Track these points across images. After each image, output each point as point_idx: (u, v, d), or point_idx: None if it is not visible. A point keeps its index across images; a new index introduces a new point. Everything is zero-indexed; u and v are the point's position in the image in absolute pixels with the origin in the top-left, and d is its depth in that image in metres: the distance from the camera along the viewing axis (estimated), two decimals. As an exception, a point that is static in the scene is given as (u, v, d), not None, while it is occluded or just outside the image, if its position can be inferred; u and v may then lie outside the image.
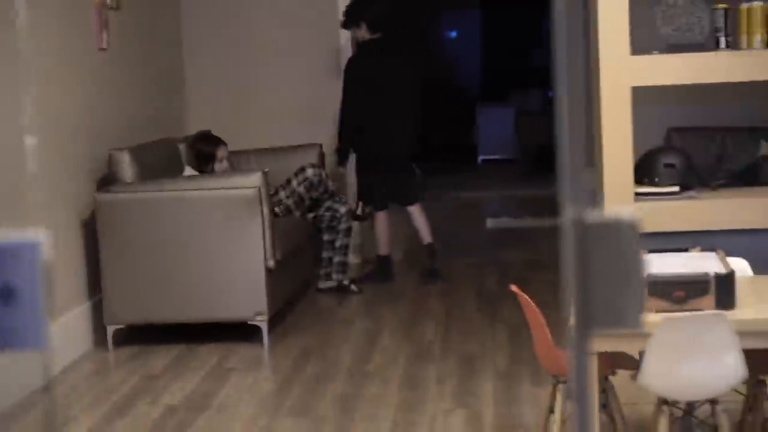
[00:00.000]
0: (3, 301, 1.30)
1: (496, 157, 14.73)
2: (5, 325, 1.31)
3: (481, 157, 14.80)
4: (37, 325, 1.34)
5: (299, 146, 7.42)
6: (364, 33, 7.19)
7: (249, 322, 5.82)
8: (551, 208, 9.50)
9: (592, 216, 1.29)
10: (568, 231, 1.29)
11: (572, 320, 1.29)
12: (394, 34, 7.30)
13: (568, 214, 1.29)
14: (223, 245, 5.75)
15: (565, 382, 3.73)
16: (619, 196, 4.33)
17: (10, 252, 1.30)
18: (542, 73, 15.66)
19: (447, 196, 11.85)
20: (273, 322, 6.06)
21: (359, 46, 7.27)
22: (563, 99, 1.32)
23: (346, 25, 7.24)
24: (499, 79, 16.34)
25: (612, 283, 1.29)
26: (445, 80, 17.37)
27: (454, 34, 17.60)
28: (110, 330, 5.85)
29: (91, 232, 5.89)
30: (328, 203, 6.91)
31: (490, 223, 9.82)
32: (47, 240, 1.34)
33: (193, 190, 5.81)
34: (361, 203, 7.08)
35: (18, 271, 1.32)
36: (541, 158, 13.81)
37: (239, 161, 7.36)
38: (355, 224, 7.38)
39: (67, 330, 5.67)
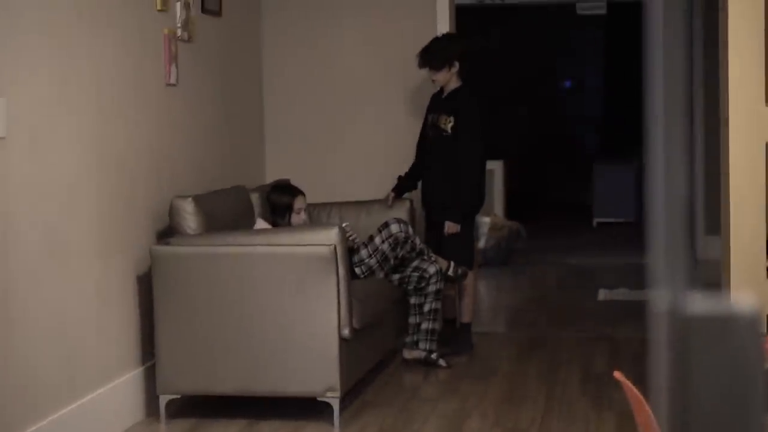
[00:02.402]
0: None
1: (613, 219, 14.35)
2: None
3: (596, 220, 14.44)
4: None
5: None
6: (451, 75, 6.98)
7: (319, 399, 5.57)
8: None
9: (694, 305, 1.01)
10: (660, 325, 1.01)
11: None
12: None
13: (660, 302, 1.01)
14: (292, 309, 5.52)
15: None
16: (749, 271, 4.00)
17: None
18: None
19: (556, 260, 11.54)
20: (347, 399, 5.80)
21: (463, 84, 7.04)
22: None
23: (436, 64, 6.97)
24: (619, 134, 16.00)
25: (720, 399, 1.01)
26: (560, 134, 17.11)
27: (568, 83, 17.32)
28: (163, 400, 5.65)
29: (147, 288, 5.72)
30: (415, 263, 6.64)
31: (602, 294, 9.46)
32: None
33: (260, 245, 5.59)
34: (452, 263, 6.80)
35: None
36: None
37: (319, 214, 7.16)
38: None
39: (117, 398, 5.49)
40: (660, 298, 1.01)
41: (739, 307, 1.01)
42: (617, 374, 3.44)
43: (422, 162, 7.16)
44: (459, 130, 6.90)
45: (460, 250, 6.97)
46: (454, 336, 7.22)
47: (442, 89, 7.09)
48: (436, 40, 7.08)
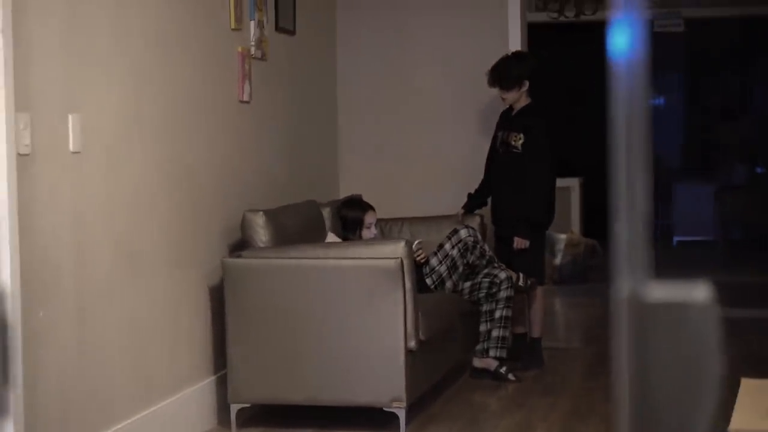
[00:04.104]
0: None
1: (693, 238, 14.28)
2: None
3: (676, 238, 14.38)
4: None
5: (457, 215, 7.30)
6: (521, 94, 7.06)
7: (385, 409, 5.66)
8: (759, 295, 9.08)
9: (652, 293, 1.10)
10: (620, 312, 1.10)
11: (621, 428, 1.09)
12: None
13: (621, 290, 1.10)
14: (359, 321, 5.63)
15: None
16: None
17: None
18: (749, 146, 15.19)
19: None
20: (413, 410, 5.89)
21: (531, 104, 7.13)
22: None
23: (506, 83, 7.06)
24: (699, 151, 15.91)
25: (677, 383, 1.09)
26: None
27: (658, 101, 17.23)
28: (234, 409, 5.78)
29: (218, 299, 5.86)
30: (486, 270, 6.72)
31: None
32: (8, 294, 1.21)
33: (328, 258, 5.71)
34: (522, 274, 6.87)
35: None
36: (745, 240, 13.37)
37: (391, 229, 7.27)
38: None
39: (189, 406, 5.63)
40: (621, 286, 1.10)
41: (694, 295, 1.09)
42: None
43: (491, 178, 7.24)
44: (527, 147, 6.98)
45: (530, 265, 7.03)
46: (524, 351, 7.27)
47: (511, 106, 7.17)
48: (506, 59, 7.16)
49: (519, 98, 7.10)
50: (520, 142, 7.01)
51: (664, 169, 15.31)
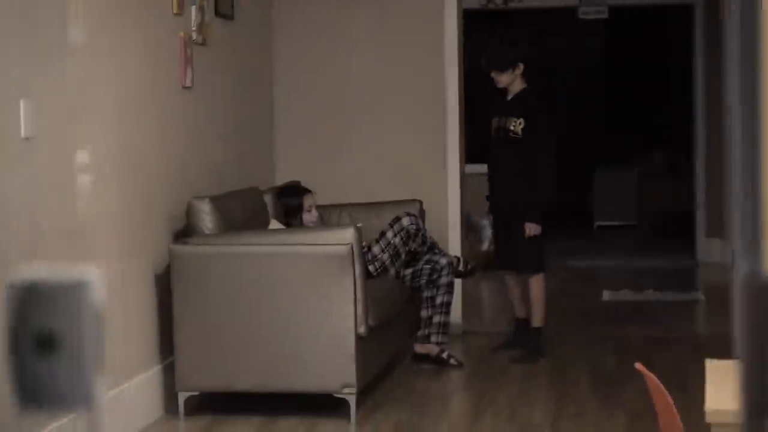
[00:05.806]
0: (43, 352, 1.18)
1: (614, 223, 14.48)
2: (45, 380, 1.18)
3: (597, 223, 14.56)
4: (83, 380, 1.21)
5: (397, 201, 7.30)
6: (515, 77, 7.01)
7: (335, 395, 5.68)
8: (678, 279, 9.25)
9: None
10: (739, 294, 1.12)
11: (741, 406, 1.11)
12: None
13: (740, 271, 1.12)
14: (309, 308, 5.63)
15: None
16: None
17: (52, 292, 1.18)
18: (667, 133, 15.44)
19: (560, 264, 11.63)
20: (363, 396, 5.91)
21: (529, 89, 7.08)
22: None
23: (501, 65, 7.01)
24: (619, 138, 16.12)
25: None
26: (560, 137, 17.19)
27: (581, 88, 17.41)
28: (182, 397, 5.75)
29: (165, 287, 5.82)
30: (427, 256, 6.76)
31: (606, 295, 9.58)
32: (101, 281, 1.20)
33: (277, 245, 5.71)
34: (462, 259, 6.95)
35: (62, 316, 1.19)
36: (665, 225, 13.60)
37: (330, 216, 7.26)
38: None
39: (136, 395, 5.59)
40: (739, 271, 1.12)
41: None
42: (639, 366, 3.55)
43: (489, 166, 7.22)
44: (530, 132, 6.92)
45: (530, 252, 7.03)
46: (523, 338, 7.23)
47: (505, 93, 7.12)
48: (499, 43, 7.17)
49: (513, 81, 7.02)
50: (520, 126, 6.96)
51: (584, 155, 15.51)
